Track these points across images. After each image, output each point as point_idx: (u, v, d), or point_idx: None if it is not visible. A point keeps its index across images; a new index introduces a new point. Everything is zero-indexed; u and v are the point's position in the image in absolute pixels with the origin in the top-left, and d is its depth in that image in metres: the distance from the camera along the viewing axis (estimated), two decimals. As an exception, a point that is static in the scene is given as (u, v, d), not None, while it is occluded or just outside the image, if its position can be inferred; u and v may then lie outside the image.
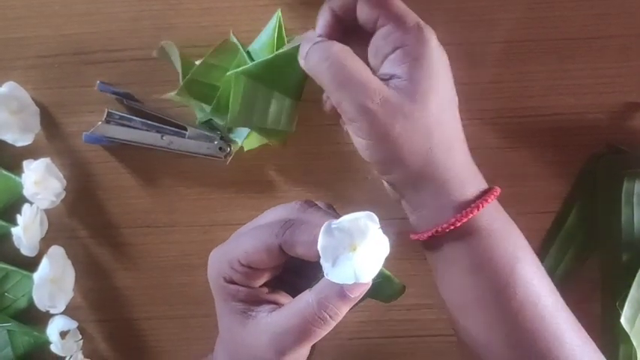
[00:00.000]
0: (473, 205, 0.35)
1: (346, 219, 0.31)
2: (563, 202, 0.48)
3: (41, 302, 0.46)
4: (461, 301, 0.37)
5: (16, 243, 0.46)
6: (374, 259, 0.30)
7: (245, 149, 0.48)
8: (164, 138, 0.47)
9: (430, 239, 0.36)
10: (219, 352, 0.38)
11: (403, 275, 0.47)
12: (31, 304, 0.47)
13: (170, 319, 0.50)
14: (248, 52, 0.47)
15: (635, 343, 0.44)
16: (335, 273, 0.30)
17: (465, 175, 0.36)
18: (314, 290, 0.32)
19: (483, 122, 0.48)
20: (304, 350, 0.34)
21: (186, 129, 0.48)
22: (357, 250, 0.31)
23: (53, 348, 0.47)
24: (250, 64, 0.43)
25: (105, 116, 0.48)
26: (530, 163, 0.48)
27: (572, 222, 0.48)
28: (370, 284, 0.32)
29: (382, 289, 0.35)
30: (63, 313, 0.49)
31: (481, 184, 0.37)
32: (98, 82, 0.48)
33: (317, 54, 0.36)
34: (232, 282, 0.35)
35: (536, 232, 0.48)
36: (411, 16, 0.36)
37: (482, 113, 0.48)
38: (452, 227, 0.35)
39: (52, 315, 0.48)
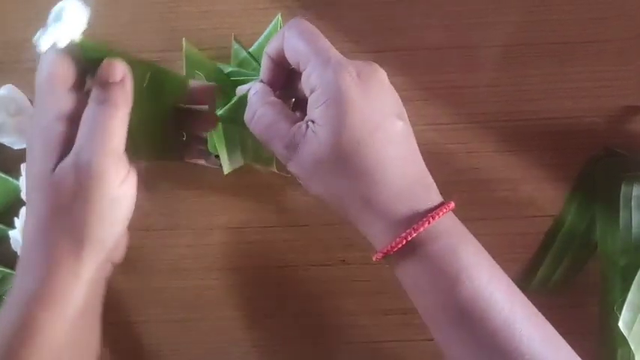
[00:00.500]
0: (405, 230, 0.35)
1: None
2: (561, 205, 0.48)
3: None
4: (422, 314, 0.37)
5: (13, 246, 0.46)
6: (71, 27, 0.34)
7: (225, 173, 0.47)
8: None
9: (383, 259, 0.37)
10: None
11: (394, 277, 0.48)
12: (28, 307, 0.47)
13: (167, 323, 0.50)
14: (250, 54, 0.48)
15: (633, 347, 0.44)
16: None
17: (396, 201, 0.35)
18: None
19: (481, 126, 0.48)
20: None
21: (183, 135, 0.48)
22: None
23: (50, 351, 0.47)
24: (222, 109, 0.44)
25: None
26: (529, 167, 0.48)
27: (570, 225, 0.48)
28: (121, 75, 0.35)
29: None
30: (60, 316, 0.49)
31: (425, 203, 0.36)
32: None
33: (247, 112, 0.39)
34: None
35: (534, 236, 0.48)
36: (325, 56, 0.35)
37: (479, 116, 0.48)
38: (390, 252, 0.35)
39: (50, 318, 0.48)
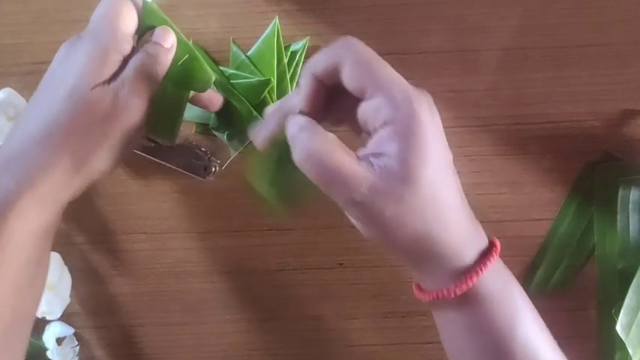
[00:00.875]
0: (470, 272, 0.34)
1: None
2: (559, 209, 0.48)
3: (38, 308, 0.46)
4: (464, 355, 0.36)
5: (12, 249, 0.46)
6: None
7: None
8: (153, 145, 0.47)
9: (431, 301, 0.36)
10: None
11: (397, 282, 0.48)
12: (27, 311, 0.47)
13: (166, 326, 0.50)
14: (248, 57, 0.48)
15: (630, 351, 0.44)
16: None
17: (463, 242, 0.34)
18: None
19: (480, 129, 0.48)
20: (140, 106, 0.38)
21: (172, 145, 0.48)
22: None
23: (50, 354, 0.47)
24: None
25: None
26: (527, 170, 0.48)
27: (568, 229, 0.48)
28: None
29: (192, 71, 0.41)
30: (59, 319, 0.49)
31: (481, 244, 0.35)
32: None
33: (297, 152, 0.33)
34: None
35: (532, 239, 0.48)
36: (401, 88, 0.32)
37: (478, 120, 0.48)
38: (450, 295, 0.34)
39: (49, 321, 0.48)
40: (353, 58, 0.33)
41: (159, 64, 0.39)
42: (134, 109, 0.37)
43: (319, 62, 0.34)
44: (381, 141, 0.32)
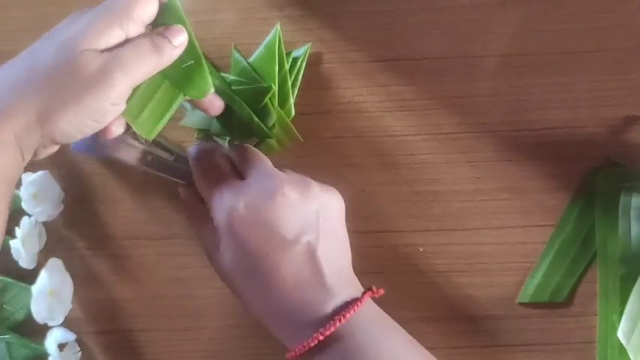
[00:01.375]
0: (326, 326, 0.38)
1: None
2: (561, 215, 0.48)
3: (39, 314, 0.46)
4: None
5: (14, 255, 0.46)
6: None
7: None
8: (150, 158, 0.47)
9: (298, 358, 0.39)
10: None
11: (398, 288, 0.48)
12: (29, 316, 0.47)
13: (167, 332, 0.50)
14: (249, 63, 0.48)
15: (632, 357, 0.44)
16: None
17: (303, 307, 0.39)
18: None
19: (480, 136, 0.48)
20: (127, 83, 0.37)
21: (172, 152, 0.48)
22: None
23: (51, 360, 0.47)
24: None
25: None
26: (528, 177, 0.48)
27: (570, 235, 0.48)
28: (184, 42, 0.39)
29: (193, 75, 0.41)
30: (61, 325, 0.49)
31: (346, 294, 0.40)
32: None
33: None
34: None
35: (534, 245, 0.48)
36: (217, 194, 0.42)
37: (479, 126, 0.48)
38: (305, 349, 0.38)
39: (51, 327, 0.48)
40: (197, 168, 0.45)
41: (159, 56, 0.38)
42: (116, 86, 0.36)
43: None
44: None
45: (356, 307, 0.38)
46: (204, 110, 0.44)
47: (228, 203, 0.40)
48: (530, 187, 0.48)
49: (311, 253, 0.39)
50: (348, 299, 0.39)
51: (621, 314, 0.45)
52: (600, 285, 0.47)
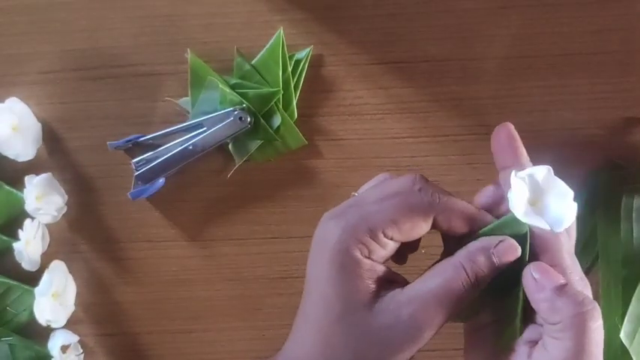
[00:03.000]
0: None
1: (534, 170, 0.33)
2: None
3: (42, 317, 0.47)
4: None
5: (17, 258, 0.46)
6: (564, 209, 0.31)
7: (259, 160, 0.49)
8: (191, 147, 0.47)
9: None
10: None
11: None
12: (32, 319, 0.47)
13: (170, 334, 0.50)
14: (253, 66, 0.48)
15: (634, 358, 0.44)
16: (528, 217, 0.30)
17: None
18: (458, 254, 0.31)
19: (481, 138, 0.48)
20: (434, 331, 0.31)
21: (202, 125, 0.48)
22: (548, 200, 0.32)
23: (54, 362, 0.48)
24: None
25: (134, 170, 0.48)
26: (529, 179, 0.48)
27: (571, 237, 0.48)
28: (519, 253, 0.31)
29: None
30: (64, 327, 0.49)
31: None
32: (108, 142, 0.49)
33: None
34: (368, 257, 0.31)
35: (535, 247, 0.48)
36: (570, 291, 0.31)
37: (480, 129, 0.48)
38: None
39: (53, 329, 0.49)
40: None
41: (472, 287, 0.31)
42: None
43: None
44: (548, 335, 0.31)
45: None
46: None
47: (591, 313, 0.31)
48: (532, 189, 0.48)
49: None
50: None
51: (623, 316, 0.45)
52: (602, 287, 0.47)
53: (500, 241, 0.31)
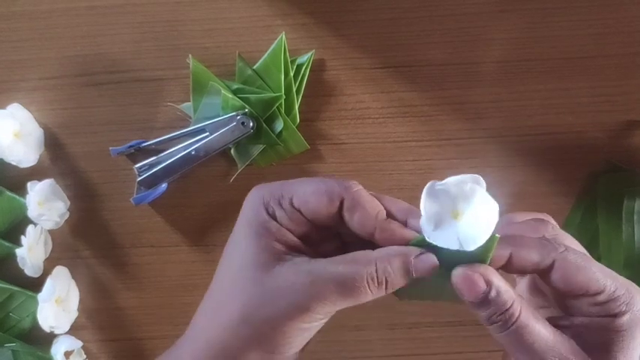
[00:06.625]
0: None
1: (451, 181, 0.29)
2: (563, 220, 0.48)
3: (45, 323, 0.47)
4: None
5: (20, 264, 0.47)
6: (481, 226, 0.28)
7: (262, 164, 0.49)
8: (194, 153, 0.48)
9: None
10: (206, 312, 0.34)
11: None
12: (35, 325, 0.47)
13: (174, 339, 0.49)
14: (254, 71, 0.48)
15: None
16: (437, 237, 0.28)
17: None
18: (378, 250, 0.30)
19: (483, 141, 0.48)
20: (331, 311, 0.31)
21: (204, 130, 0.48)
22: (463, 216, 0.29)
23: (57, 368, 0.48)
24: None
25: (136, 175, 0.48)
26: (530, 182, 0.48)
27: (572, 239, 0.48)
28: (436, 272, 0.29)
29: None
30: (67, 333, 0.49)
31: None
32: (110, 148, 0.49)
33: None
34: (275, 219, 0.32)
35: (537, 250, 0.48)
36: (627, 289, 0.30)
37: (481, 132, 0.49)
38: None
39: (57, 335, 0.49)
40: (567, 261, 0.31)
41: (377, 291, 0.30)
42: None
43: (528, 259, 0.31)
44: (588, 328, 0.30)
45: None
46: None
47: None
48: (532, 192, 0.48)
49: None
50: None
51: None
52: (604, 289, 0.47)
53: (422, 254, 0.30)
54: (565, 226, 0.48)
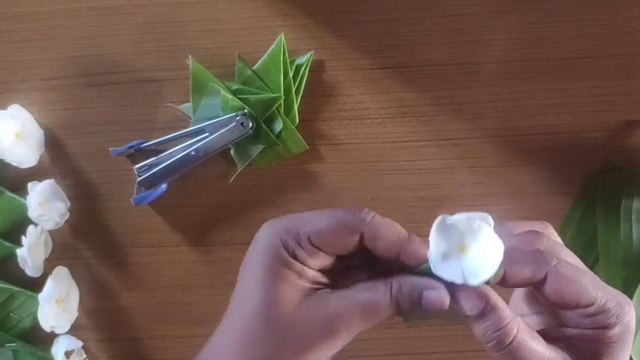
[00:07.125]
0: None
1: (461, 217, 0.30)
2: (562, 219, 0.48)
3: (46, 322, 0.47)
4: None
5: (20, 264, 0.47)
6: (485, 263, 0.29)
7: (261, 165, 0.49)
8: (194, 153, 0.48)
9: None
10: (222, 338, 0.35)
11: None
12: (36, 324, 0.47)
13: (174, 339, 0.50)
14: (254, 71, 0.48)
15: (635, 359, 0.45)
16: (442, 269, 0.30)
17: None
18: (394, 277, 0.32)
19: (482, 141, 0.49)
20: (354, 335, 0.32)
21: (204, 131, 0.48)
22: (469, 250, 0.30)
23: (58, 368, 0.48)
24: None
25: (136, 176, 0.48)
26: (529, 182, 0.49)
27: (571, 239, 0.48)
28: (445, 307, 0.31)
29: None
30: (67, 332, 0.49)
31: None
32: (110, 148, 0.49)
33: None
34: (295, 258, 0.32)
35: (536, 249, 0.48)
36: (617, 301, 0.31)
37: (480, 132, 0.49)
38: None
39: (57, 335, 0.49)
40: (559, 275, 0.31)
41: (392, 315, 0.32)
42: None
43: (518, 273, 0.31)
44: (581, 339, 0.31)
45: None
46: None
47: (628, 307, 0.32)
48: (531, 192, 0.49)
49: None
50: None
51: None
52: (603, 288, 0.48)
53: (434, 289, 0.31)
54: (563, 226, 0.48)
